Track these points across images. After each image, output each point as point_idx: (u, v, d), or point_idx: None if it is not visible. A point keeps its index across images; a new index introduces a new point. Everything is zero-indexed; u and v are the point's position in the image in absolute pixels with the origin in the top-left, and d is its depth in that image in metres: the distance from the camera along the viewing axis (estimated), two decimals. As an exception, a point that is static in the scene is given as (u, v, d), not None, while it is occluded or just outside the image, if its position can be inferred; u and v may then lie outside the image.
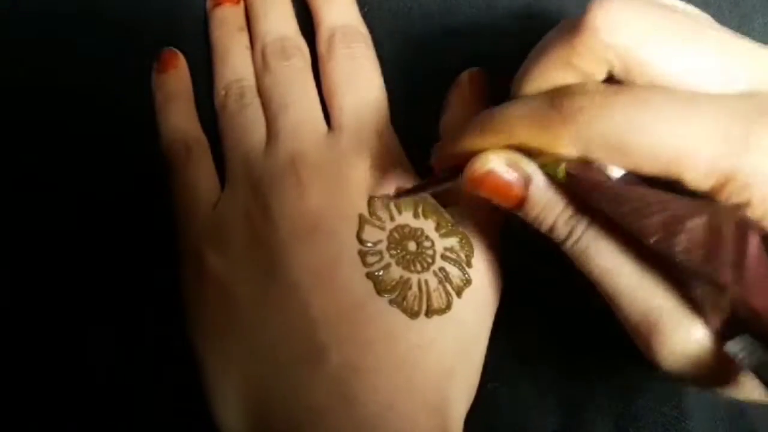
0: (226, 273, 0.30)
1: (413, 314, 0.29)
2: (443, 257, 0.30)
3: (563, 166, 0.23)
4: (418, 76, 0.35)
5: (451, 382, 0.29)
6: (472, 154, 0.24)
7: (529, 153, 0.24)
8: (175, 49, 0.35)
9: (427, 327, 0.29)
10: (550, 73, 0.24)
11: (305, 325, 0.29)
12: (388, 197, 0.30)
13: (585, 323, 0.32)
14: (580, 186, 0.23)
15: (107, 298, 0.33)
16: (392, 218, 0.30)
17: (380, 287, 0.29)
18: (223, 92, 0.34)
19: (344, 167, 0.31)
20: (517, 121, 0.23)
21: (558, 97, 0.22)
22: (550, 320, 0.33)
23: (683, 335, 0.23)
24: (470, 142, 0.25)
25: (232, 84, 0.34)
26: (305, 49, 0.34)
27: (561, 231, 0.24)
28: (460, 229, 0.30)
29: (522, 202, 0.24)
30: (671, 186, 0.22)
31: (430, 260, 0.30)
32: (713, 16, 0.35)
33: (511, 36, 0.35)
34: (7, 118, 0.35)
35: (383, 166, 0.31)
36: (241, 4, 0.36)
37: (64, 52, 0.35)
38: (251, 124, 0.33)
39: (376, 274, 0.29)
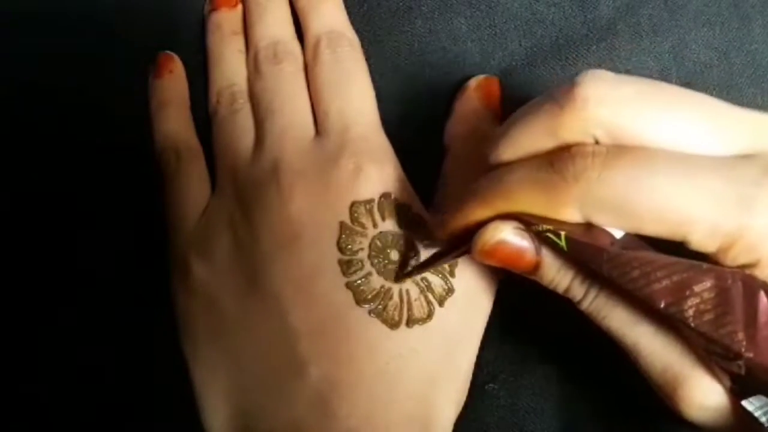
0: (211, 282, 0.30)
1: (393, 324, 0.28)
2: (426, 267, 0.29)
3: (564, 233, 0.22)
4: (417, 75, 0.35)
5: (434, 391, 0.29)
6: (476, 225, 0.24)
7: (530, 220, 0.23)
8: (171, 53, 0.35)
9: (407, 337, 0.28)
10: (534, 140, 0.24)
11: (285, 337, 0.28)
12: (397, 275, 0.29)
13: (583, 326, 0.31)
14: (584, 253, 0.22)
15: (101, 302, 0.33)
16: (375, 225, 0.29)
17: (360, 297, 0.28)
18: (215, 98, 0.34)
19: (327, 172, 0.30)
20: (517, 187, 0.23)
21: (558, 160, 0.22)
22: (549, 323, 0.32)
23: (704, 390, 0.23)
24: (472, 213, 0.25)
25: (224, 89, 0.34)
26: (298, 54, 0.34)
27: (577, 292, 0.24)
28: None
29: (536, 267, 0.24)
30: (674, 246, 0.21)
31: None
32: (713, 17, 0.34)
33: (512, 38, 0.35)
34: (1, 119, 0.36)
35: (368, 169, 0.30)
36: (238, 8, 0.36)
37: (60, 55, 0.36)
38: (240, 130, 0.33)
39: (356, 283, 0.28)
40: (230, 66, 0.35)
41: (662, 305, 0.21)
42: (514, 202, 0.23)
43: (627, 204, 0.21)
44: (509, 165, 0.24)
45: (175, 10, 0.36)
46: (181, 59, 0.36)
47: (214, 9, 0.36)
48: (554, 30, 0.35)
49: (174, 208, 0.33)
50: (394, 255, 0.29)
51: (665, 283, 0.21)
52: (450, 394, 0.29)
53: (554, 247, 0.23)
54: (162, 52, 0.35)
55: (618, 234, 0.22)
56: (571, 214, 0.22)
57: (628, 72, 0.34)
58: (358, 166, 0.30)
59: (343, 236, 0.29)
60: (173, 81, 0.35)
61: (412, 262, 0.29)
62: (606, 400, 0.31)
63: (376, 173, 0.30)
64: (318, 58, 0.33)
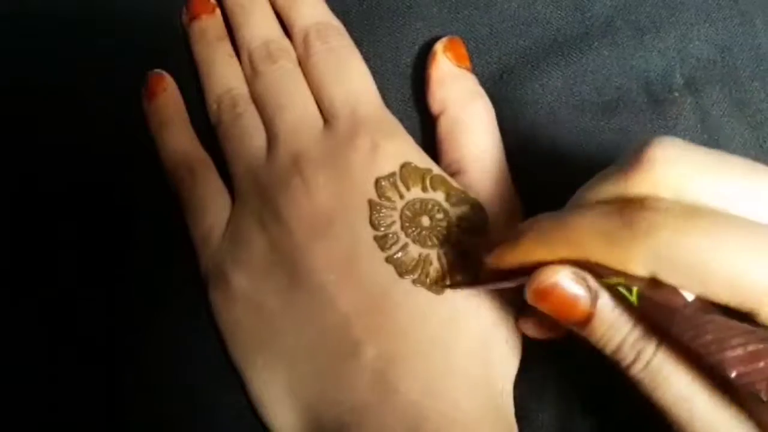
0: (252, 288, 0.30)
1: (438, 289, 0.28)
2: (458, 226, 0.29)
3: (636, 288, 0.21)
4: (416, 75, 0.35)
5: (489, 347, 0.29)
6: (532, 263, 0.24)
7: (595, 270, 0.22)
8: (160, 72, 0.35)
9: (454, 299, 0.28)
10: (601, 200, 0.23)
11: (336, 322, 0.29)
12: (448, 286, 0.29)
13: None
14: (655, 311, 0.21)
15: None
16: (402, 196, 0.30)
17: (401, 269, 0.28)
18: (215, 105, 0.34)
19: (344, 155, 0.30)
20: (582, 234, 0.22)
21: (629, 212, 0.21)
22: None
23: None
24: (529, 252, 0.24)
25: (223, 96, 0.34)
26: (291, 50, 0.34)
27: (628, 353, 0.23)
28: (471, 196, 0.30)
29: (588, 319, 0.23)
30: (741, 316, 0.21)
31: (445, 232, 0.29)
32: (714, 13, 0.34)
33: (508, 37, 0.35)
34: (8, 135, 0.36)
35: (384, 144, 0.30)
36: (218, 13, 0.36)
37: (59, 59, 0.36)
38: (249, 132, 0.33)
39: (396, 257, 0.29)
40: (224, 71, 0.35)
41: (734, 375, 0.20)
42: (577, 249, 0.22)
43: (700, 268, 0.20)
44: (575, 209, 0.23)
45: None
46: (172, 75, 0.36)
47: (193, 18, 0.36)
48: (552, 29, 0.35)
49: (198, 223, 0.33)
50: (425, 221, 0.29)
51: (739, 351, 0.20)
52: (506, 350, 0.29)
53: (623, 301, 0.22)
54: (151, 73, 0.35)
55: (689, 296, 0.21)
56: (637, 268, 0.21)
57: (633, 68, 0.34)
58: (374, 144, 0.30)
59: (374, 213, 0.29)
60: (168, 99, 0.35)
61: (443, 223, 0.29)
62: (604, 400, 0.31)
63: (392, 146, 0.31)
64: (310, 51, 0.33)
